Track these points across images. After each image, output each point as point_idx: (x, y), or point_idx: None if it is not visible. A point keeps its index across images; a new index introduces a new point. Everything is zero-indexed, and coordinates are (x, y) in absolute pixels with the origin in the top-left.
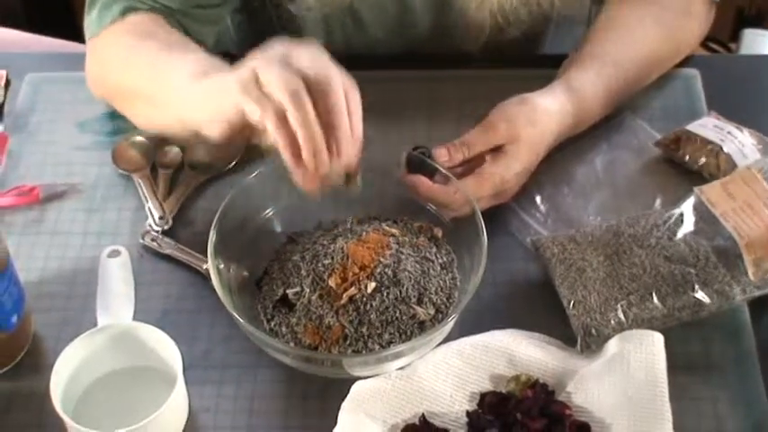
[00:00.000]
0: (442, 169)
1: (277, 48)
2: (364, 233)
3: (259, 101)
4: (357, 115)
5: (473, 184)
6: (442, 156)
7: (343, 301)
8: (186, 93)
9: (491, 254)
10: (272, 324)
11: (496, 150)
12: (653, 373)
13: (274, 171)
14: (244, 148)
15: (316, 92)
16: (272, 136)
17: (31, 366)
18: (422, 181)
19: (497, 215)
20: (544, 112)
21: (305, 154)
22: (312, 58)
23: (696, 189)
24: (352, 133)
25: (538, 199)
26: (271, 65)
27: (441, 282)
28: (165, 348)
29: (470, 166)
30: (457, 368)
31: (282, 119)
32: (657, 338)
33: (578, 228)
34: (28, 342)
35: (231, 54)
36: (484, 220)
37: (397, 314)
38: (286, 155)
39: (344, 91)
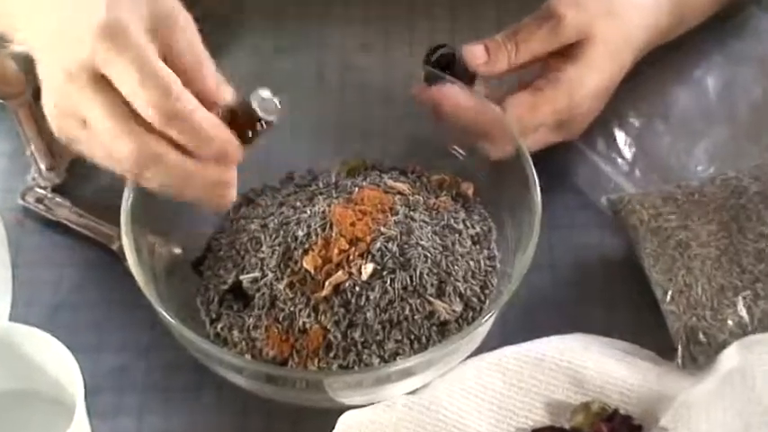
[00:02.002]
0: (476, 76)
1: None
2: (357, 190)
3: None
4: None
5: (526, 105)
6: (478, 56)
7: (325, 293)
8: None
9: (547, 220)
10: (219, 326)
11: (560, 54)
12: None
13: None
14: None
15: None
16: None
17: None
18: (447, 95)
19: (557, 160)
20: (629, 2)
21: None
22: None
23: None
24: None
25: (620, 137)
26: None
27: (472, 263)
28: (58, 362)
29: (520, 77)
30: (496, 392)
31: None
32: None
33: (679, 182)
34: None
35: None
36: (537, 168)
37: (407, 312)
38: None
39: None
